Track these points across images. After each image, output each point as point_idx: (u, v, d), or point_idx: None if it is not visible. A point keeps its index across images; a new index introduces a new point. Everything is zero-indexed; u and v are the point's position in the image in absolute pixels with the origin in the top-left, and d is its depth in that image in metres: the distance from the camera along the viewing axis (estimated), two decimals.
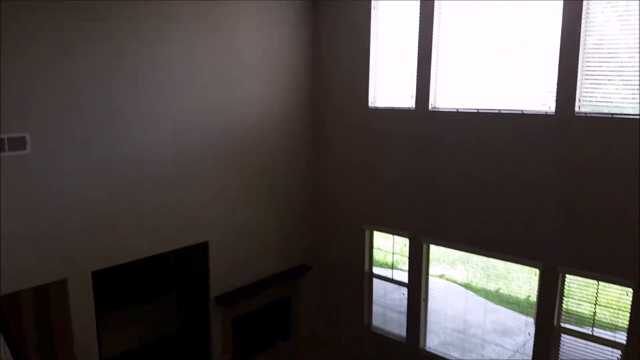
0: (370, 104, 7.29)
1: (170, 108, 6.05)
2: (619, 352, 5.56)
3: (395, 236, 7.35)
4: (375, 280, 7.69)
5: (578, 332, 5.82)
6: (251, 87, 6.96)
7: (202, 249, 6.66)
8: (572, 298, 5.84)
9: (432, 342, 7.19)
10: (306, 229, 8.11)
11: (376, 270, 7.67)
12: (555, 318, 5.93)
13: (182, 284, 6.49)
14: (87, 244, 5.50)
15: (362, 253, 7.68)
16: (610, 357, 5.62)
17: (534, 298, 6.24)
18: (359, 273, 7.76)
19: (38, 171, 5.09)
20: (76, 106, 5.27)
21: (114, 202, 5.68)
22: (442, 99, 6.69)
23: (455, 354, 6.95)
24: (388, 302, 7.66)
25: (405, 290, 7.25)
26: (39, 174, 5.10)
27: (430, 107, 6.67)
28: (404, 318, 7.36)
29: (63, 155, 5.25)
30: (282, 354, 7.83)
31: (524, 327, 6.46)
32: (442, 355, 7.02)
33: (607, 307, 5.63)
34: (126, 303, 5.88)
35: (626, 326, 5.44)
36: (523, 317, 6.56)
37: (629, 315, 5.41)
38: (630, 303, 5.38)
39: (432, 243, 6.89)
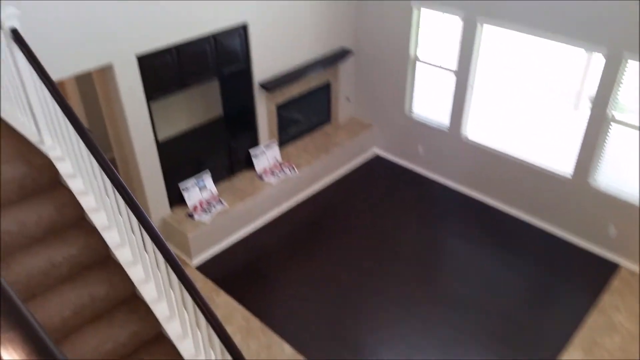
0: None
1: None
2: None
3: (445, 15, 6.80)
4: (419, 65, 7.39)
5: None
6: None
7: (242, 31, 6.26)
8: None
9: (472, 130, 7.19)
10: (348, 9, 7.52)
11: (422, 54, 7.32)
12: (609, 106, 5.76)
13: (224, 70, 6.26)
14: (129, 27, 5.14)
15: (408, 35, 7.22)
16: None
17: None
18: (403, 57, 7.42)
19: None
20: None
21: None
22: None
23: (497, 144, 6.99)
24: (432, 89, 7.46)
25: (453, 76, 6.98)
26: None
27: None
28: (448, 107, 7.24)
29: None
30: (322, 138, 7.96)
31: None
32: (482, 143, 7.10)
33: None
34: (169, 90, 5.73)
35: None
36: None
37: None
38: None
39: (487, 23, 6.38)
